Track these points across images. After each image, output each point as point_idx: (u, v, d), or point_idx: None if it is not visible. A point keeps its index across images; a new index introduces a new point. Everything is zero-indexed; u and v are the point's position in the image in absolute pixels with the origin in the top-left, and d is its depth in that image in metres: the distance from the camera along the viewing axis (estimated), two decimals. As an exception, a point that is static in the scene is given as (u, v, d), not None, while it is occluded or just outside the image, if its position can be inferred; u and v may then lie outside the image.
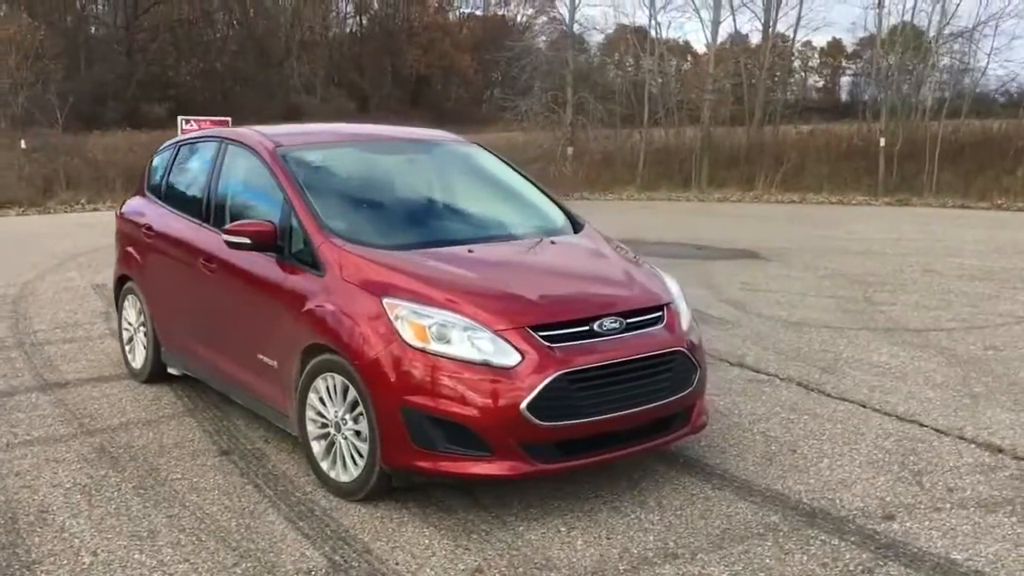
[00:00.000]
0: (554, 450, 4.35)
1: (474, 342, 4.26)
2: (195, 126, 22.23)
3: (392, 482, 4.50)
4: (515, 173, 6.01)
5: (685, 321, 4.89)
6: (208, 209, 5.80)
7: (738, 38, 31.14)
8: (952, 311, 8.99)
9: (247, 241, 5.00)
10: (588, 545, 4.18)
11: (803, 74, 58.88)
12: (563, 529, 4.33)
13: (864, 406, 6.09)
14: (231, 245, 5.07)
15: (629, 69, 29.79)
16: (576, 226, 5.62)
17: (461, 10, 64.40)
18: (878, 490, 4.74)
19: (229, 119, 23.00)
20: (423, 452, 4.28)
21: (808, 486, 4.81)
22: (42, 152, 24.77)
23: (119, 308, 6.97)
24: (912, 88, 25.81)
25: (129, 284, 6.74)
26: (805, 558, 4.03)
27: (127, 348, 6.87)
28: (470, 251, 4.90)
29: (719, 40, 28.02)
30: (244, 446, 5.43)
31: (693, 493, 4.74)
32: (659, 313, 4.74)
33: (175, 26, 49.93)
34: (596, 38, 33.42)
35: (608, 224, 16.86)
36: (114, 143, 27.89)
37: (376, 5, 61.51)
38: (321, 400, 4.69)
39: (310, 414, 4.76)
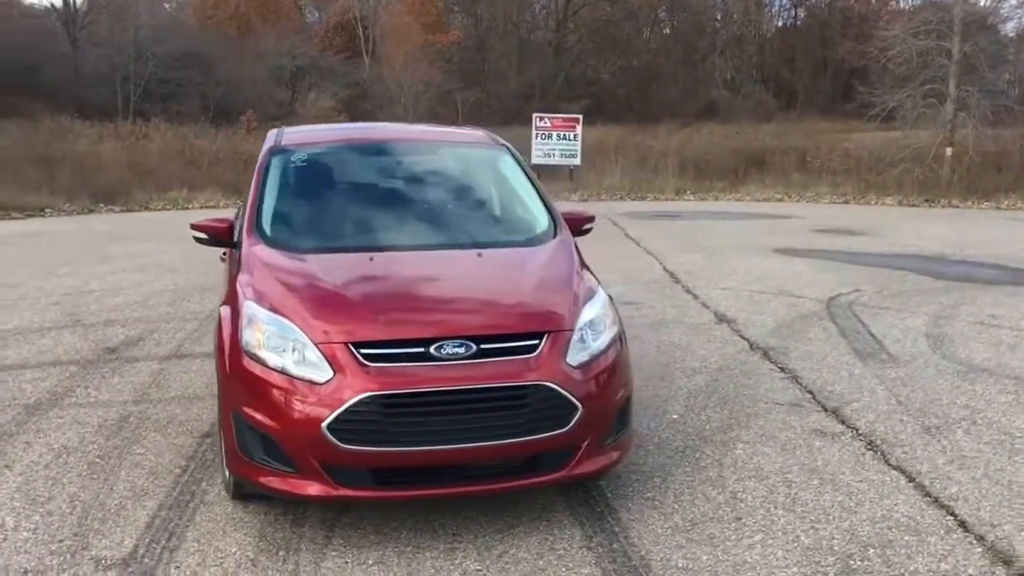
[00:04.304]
0: (367, 477, 4.07)
1: (294, 353, 4.12)
2: (548, 123, 23.13)
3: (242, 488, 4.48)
4: (525, 180, 5.60)
5: (582, 354, 4.29)
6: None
7: None
8: None
9: (205, 236, 5.24)
10: (367, 584, 3.88)
11: None
12: (370, 563, 4.05)
13: (911, 480, 4.91)
14: (196, 239, 5.34)
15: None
16: (553, 238, 5.15)
17: (910, -3, 59.71)
18: (767, 584, 3.84)
19: (580, 117, 23.60)
20: (245, 461, 4.24)
21: (693, 563, 4.03)
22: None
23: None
24: None
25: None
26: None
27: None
28: (371, 259, 4.72)
29: None
30: (231, 432, 5.69)
31: (555, 547, 4.18)
32: (533, 341, 4.21)
33: (599, 26, 51.99)
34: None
35: (930, 236, 14.94)
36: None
37: (813, -2, 59.03)
38: (225, 396, 4.79)
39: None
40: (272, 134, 5.90)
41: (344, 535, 4.29)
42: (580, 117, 23.49)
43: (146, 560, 4.09)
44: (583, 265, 5.01)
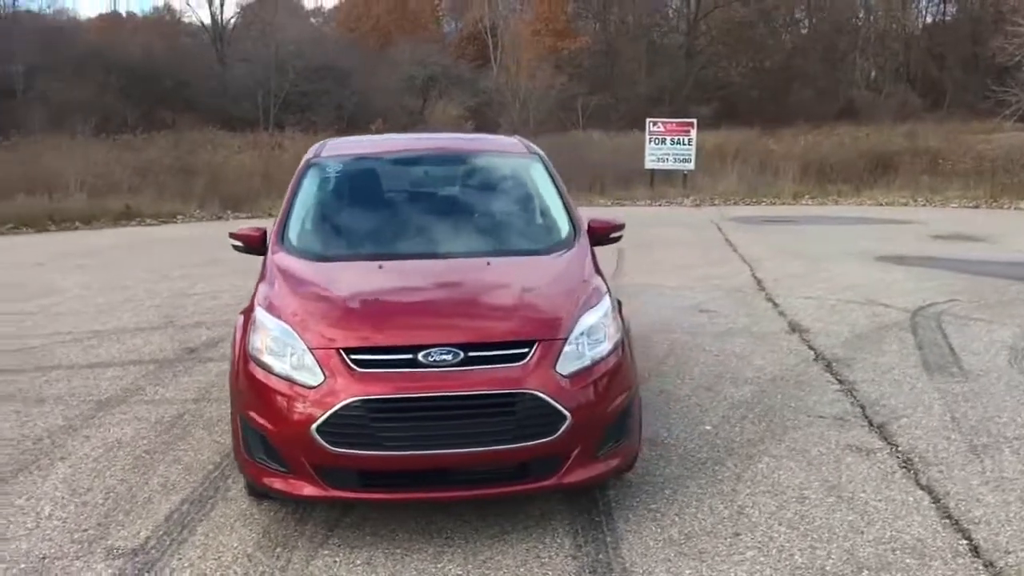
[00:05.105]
0: (355, 479, 4.20)
1: (293, 358, 4.28)
2: (662, 128, 22.91)
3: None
4: (552, 189, 5.63)
5: (576, 363, 4.29)
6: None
7: None
8: None
9: (240, 244, 5.49)
10: (348, 583, 4.00)
11: None
12: (358, 563, 4.17)
13: (936, 501, 4.70)
14: (233, 247, 5.60)
15: None
16: (570, 248, 5.18)
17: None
18: (741, 601, 3.76)
19: (694, 121, 23.27)
20: (250, 462, 4.42)
21: (673, 578, 3.97)
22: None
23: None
24: None
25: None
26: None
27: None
28: (380, 267, 4.85)
29: None
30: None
31: (541, 556, 4.21)
32: (523, 350, 4.24)
33: (732, 28, 50.96)
34: None
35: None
36: (614, 142, 29.35)
37: (965, -8, 56.23)
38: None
39: (241, 410, 5.11)
40: (315, 146, 6.12)
41: (342, 535, 4.43)
42: (695, 121, 23.13)
43: (153, 551, 4.32)
44: (597, 272, 5.01)
